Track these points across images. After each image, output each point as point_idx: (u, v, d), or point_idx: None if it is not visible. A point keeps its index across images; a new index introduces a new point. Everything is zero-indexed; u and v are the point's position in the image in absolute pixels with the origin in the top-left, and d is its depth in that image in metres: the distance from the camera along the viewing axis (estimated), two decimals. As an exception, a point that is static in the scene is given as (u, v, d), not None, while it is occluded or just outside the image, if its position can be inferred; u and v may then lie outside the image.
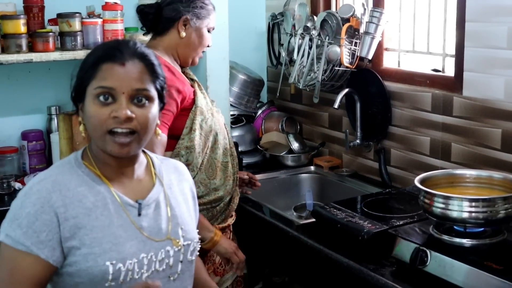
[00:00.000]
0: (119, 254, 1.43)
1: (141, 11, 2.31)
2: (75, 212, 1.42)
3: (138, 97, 1.45)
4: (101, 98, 1.43)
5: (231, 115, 3.30)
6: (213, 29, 2.40)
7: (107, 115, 1.43)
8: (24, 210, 1.40)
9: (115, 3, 2.87)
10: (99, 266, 1.41)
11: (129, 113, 1.43)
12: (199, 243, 1.63)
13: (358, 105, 2.97)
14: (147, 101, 1.47)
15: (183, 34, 2.27)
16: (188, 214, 1.64)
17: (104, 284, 1.42)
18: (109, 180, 1.50)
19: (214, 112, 2.37)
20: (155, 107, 1.50)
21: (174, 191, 1.62)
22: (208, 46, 2.40)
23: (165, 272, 1.52)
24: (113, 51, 1.45)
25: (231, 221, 2.44)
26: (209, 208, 2.31)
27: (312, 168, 3.26)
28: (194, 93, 2.30)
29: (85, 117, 1.47)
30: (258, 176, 3.10)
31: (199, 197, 2.11)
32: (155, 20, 2.29)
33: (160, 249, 1.51)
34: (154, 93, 1.49)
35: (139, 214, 1.51)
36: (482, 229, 1.96)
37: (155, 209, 1.55)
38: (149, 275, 1.47)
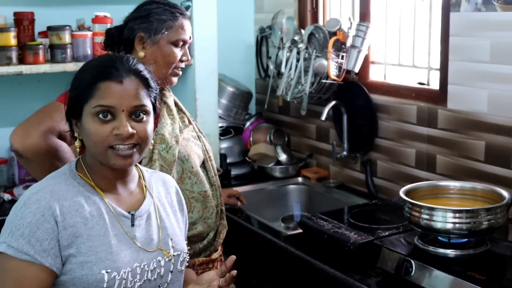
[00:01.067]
0: (114, 263, 1.46)
1: (108, 33, 2.14)
2: (72, 221, 1.44)
3: (137, 113, 1.49)
4: (101, 116, 1.46)
5: (220, 127, 3.32)
6: (183, 42, 2.10)
7: (108, 132, 1.46)
8: (25, 220, 1.41)
9: (105, 16, 2.90)
10: (94, 274, 1.43)
11: (130, 130, 1.47)
12: (188, 254, 1.66)
13: (345, 117, 3.01)
14: (145, 116, 1.51)
15: (141, 54, 2.05)
16: (177, 226, 1.68)
17: None
18: (102, 192, 1.53)
19: (182, 140, 2.12)
20: (151, 119, 1.55)
21: (164, 203, 1.66)
22: (182, 62, 2.11)
23: (156, 282, 1.55)
24: (109, 69, 1.48)
25: (216, 255, 2.23)
26: (189, 244, 2.02)
27: (300, 179, 3.29)
28: (157, 118, 2.06)
29: (83, 134, 1.50)
30: (246, 188, 3.16)
31: None
32: (119, 42, 2.11)
33: (152, 259, 1.54)
34: (150, 106, 1.54)
35: (132, 225, 1.54)
36: (465, 240, 2.00)
37: (146, 220, 1.58)
38: (141, 284, 1.50)
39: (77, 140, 1.54)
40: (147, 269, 1.52)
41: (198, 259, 2.13)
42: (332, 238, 2.25)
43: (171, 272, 1.58)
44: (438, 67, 2.62)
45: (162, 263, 1.56)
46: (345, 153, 3.04)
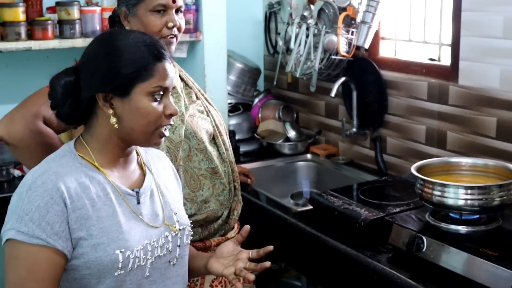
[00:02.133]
0: (127, 242, 1.45)
1: (109, 17, 2.11)
2: (80, 203, 1.42)
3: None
4: (156, 96, 1.46)
5: (228, 103, 3.31)
6: (164, 6, 1.96)
7: (161, 112, 1.47)
8: (33, 204, 1.38)
9: (113, -9, 2.88)
10: (109, 255, 1.42)
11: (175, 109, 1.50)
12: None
13: (354, 93, 3.00)
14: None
15: (127, 28, 1.98)
16: (178, 200, 1.69)
17: (113, 273, 1.43)
18: (105, 171, 1.51)
19: (188, 117, 2.04)
20: None
21: (163, 179, 1.66)
22: (169, 29, 1.98)
23: (166, 257, 1.55)
24: (161, 49, 1.49)
25: (232, 234, 2.15)
26: (203, 225, 2.05)
27: (309, 156, 3.29)
28: None
29: (131, 112, 1.46)
30: (255, 164, 3.16)
31: (190, 216, 1.87)
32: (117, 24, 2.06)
33: (160, 235, 1.54)
34: None
35: (138, 202, 1.53)
36: (477, 216, 1.99)
37: (150, 197, 1.58)
38: (153, 261, 1.51)
39: (112, 117, 1.46)
40: (156, 245, 1.52)
41: (214, 239, 2.08)
42: (343, 215, 2.25)
43: (179, 246, 1.59)
44: (449, 43, 2.59)
45: (170, 238, 1.56)
46: (354, 129, 3.03)
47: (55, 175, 1.42)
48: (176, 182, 1.73)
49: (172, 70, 1.50)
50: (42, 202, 1.38)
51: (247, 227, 1.65)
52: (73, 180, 1.44)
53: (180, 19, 2.02)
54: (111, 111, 1.46)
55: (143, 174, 1.60)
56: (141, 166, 1.62)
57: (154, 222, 1.55)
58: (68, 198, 1.41)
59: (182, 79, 2.13)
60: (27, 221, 1.37)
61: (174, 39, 2.01)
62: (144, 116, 1.46)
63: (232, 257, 1.62)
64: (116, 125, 1.46)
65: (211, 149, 2.09)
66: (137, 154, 1.63)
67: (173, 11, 1.99)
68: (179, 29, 2.02)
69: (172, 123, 1.51)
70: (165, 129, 1.51)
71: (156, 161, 1.68)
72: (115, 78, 1.44)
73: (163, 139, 1.52)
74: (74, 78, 1.48)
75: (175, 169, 1.76)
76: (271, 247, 1.61)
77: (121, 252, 1.44)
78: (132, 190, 1.54)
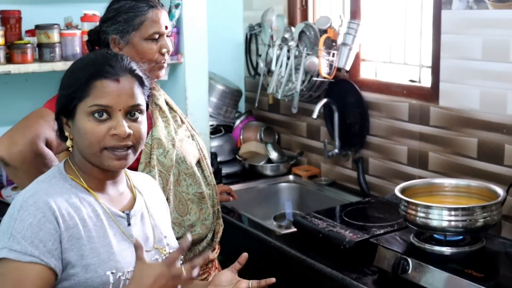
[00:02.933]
0: (118, 263, 1.44)
1: (88, 36, 2.10)
2: (72, 222, 1.41)
3: (132, 112, 1.47)
4: (96, 115, 1.43)
5: (210, 125, 3.30)
6: (159, 34, 2.00)
7: (104, 132, 1.43)
8: (25, 222, 1.37)
9: (94, 14, 2.86)
10: (99, 276, 1.41)
11: (128, 130, 1.44)
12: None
13: (336, 115, 3.01)
14: (139, 115, 1.49)
15: None
16: (167, 223, 1.69)
17: None
18: (94, 193, 1.51)
19: (177, 141, 2.06)
20: (145, 119, 1.52)
21: (153, 202, 1.65)
22: (162, 55, 2.01)
23: None
24: (105, 67, 1.46)
25: (214, 255, 2.20)
26: (189, 248, 1.98)
27: (291, 177, 3.29)
28: (150, 119, 2.01)
29: (77, 134, 1.47)
30: (237, 186, 3.14)
31: (176, 238, 1.89)
32: (100, 45, 2.05)
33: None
34: (144, 105, 1.52)
35: (129, 224, 1.52)
36: (461, 237, 2.00)
37: (141, 220, 1.57)
38: None
39: (68, 139, 1.51)
40: None
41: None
42: (328, 237, 2.25)
43: None
44: (429, 64, 2.62)
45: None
46: (336, 150, 3.03)
47: (46, 195, 1.41)
48: (165, 206, 1.72)
49: (118, 88, 1.45)
50: (35, 220, 1.37)
51: (245, 255, 1.64)
52: (63, 200, 1.43)
53: (169, 43, 2.04)
54: (67, 134, 1.51)
55: (134, 197, 1.59)
56: (131, 189, 1.61)
57: (145, 244, 1.52)
58: (60, 216, 1.39)
59: (166, 102, 2.13)
60: (20, 239, 1.35)
61: (165, 63, 2.05)
62: (84, 136, 1.45)
63: (230, 286, 1.60)
64: (70, 149, 1.51)
65: (198, 173, 2.11)
66: (127, 178, 1.62)
67: (165, 36, 2.02)
68: (168, 53, 2.05)
69: (125, 144, 1.45)
70: (114, 151, 1.44)
71: (146, 184, 1.68)
72: (60, 100, 1.49)
73: (120, 162, 1.46)
74: None
75: (163, 194, 1.75)
76: (273, 279, 1.59)
77: (112, 273, 1.42)
78: (123, 212, 1.52)
